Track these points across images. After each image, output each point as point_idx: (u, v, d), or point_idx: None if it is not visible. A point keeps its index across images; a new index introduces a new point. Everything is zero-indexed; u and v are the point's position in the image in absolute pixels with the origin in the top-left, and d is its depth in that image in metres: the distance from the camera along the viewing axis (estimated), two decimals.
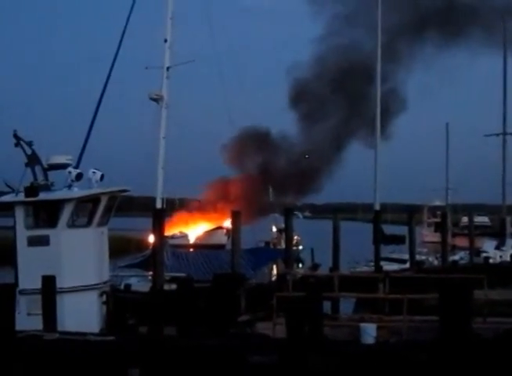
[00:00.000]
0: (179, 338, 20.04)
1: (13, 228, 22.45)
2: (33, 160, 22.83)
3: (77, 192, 22.53)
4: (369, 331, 19.19)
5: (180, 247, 43.45)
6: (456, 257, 49.15)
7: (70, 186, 22.61)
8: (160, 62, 34.41)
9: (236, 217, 28.62)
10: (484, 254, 50.05)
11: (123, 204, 28.96)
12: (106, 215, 23.24)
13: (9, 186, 22.63)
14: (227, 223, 61.55)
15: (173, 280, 26.49)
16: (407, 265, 40.60)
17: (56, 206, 22.19)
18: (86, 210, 22.85)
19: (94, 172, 22.82)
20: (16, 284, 21.45)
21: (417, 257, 42.32)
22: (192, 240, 72.88)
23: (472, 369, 16.52)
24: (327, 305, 27.20)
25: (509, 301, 24.46)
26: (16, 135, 22.71)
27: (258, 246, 46.41)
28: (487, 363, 16.64)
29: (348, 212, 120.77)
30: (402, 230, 43.12)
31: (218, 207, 76.11)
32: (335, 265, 35.43)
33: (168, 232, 50.17)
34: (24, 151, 22.81)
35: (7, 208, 23.05)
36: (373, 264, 38.07)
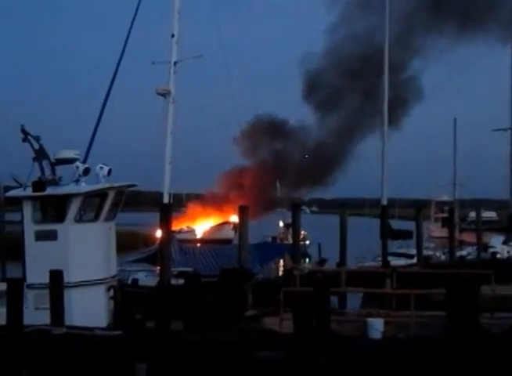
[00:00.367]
0: (186, 333, 20.07)
1: (21, 223, 22.51)
2: (40, 154, 22.86)
3: (84, 187, 22.55)
4: (377, 326, 19.20)
5: (187, 242, 43.52)
6: (464, 252, 49.07)
7: (77, 181, 22.63)
8: (167, 57, 34.43)
9: (243, 212, 28.63)
10: (492, 250, 49.93)
11: (131, 199, 29.02)
12: (114, 209, 23.27)
13: (16, 181, 22.68)
14: (234, 218, 61.58)
15: (180, 274, 26.52)
16: (414, 261, 40.57)
17: (64, 201, 22.23)
18: (93, 205, 22.88)
19: (101, 167, 22.84)
20: (23, 279, 21.50)
21: (424, 252, 42.27)
22: (199, 234, 72.97)
23: (479, 364, 16.49)
24: (334, 301, 27.22)
25: None
26: (23, 130, 22.74)
27: (265, 241, 46.43)
28: (494, 359, 16.61)
29: (356, 207, 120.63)
30: (410, 225, 43.06)
31: (231, 197, 75.67)
32: (342, 261, 35.42)
33: (176, 227, 50.27)
34: (32, 146, 22.84)
35: (15, 203, 23.11)
36: (380, 259, 38.05)
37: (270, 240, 53.55)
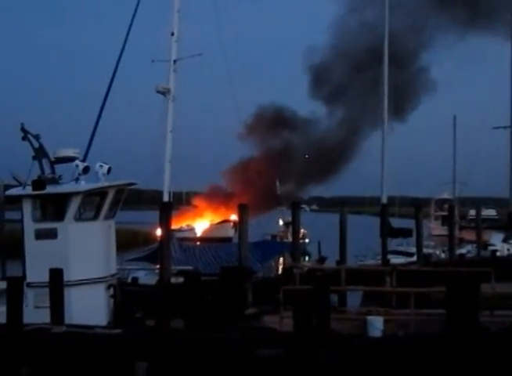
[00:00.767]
0: (186, 332, 20.07)
1: (21, 221, 22.51)
2: (40, 153, 22.86)
3: (84, 185, 22.56)
4: (377, 325, 19.19)
5: (187, 240, 43.53)
6: (464, 250, 49.05)
7: (77, 180, 22.63)
8: (167, 55, 34.43)
9: (243, 210, 28.63)
10: (492, 248, 49.93)
11: (131, 198, 29.02)
12: (114, 208, 23.27)
13: (16, 180, 22.68)
14: (234, 216, 61.56)
15: (180, 273, 26.53)
16: (414, 259, 40.56)
17: (64, 199, 22.23)
18: (93, 203, 22.88)
19: (101, 166, 22.84)
20: (23, 277, 21.51)
21: (424, 250, 42.26)
22: (199, 233, 72.97)
23: (479, 362, 16.50)
24: (334, 299, 27.23)
25: None
26: (23, 129, 22.74)
27: (265, 239, 46.45)
28: (494, 357, 16.62)
29: (356, 205, 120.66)
30: (410, 223, 43.06)
31: (238, 190, 75.03)
32: (342, 259, 35.43)
33: (175, 225, 50.24)
34: (31, 144, 22.83)
35: (15, 202, 23.11)
36: (380, 257, 38.05)
37: (270, 238, 53.57)
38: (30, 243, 22.11)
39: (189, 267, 28.53)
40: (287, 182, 70.15)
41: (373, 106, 44.70)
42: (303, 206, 57.26)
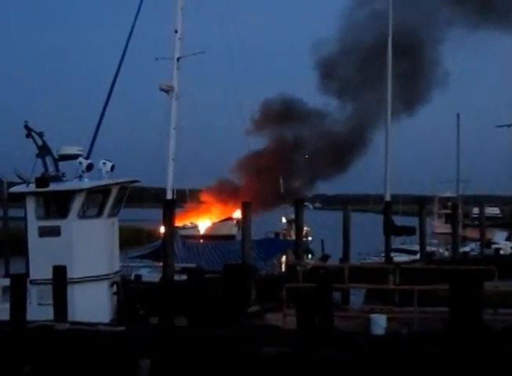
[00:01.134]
0: (190, 329, 20.08)
1: (24, 219, 22.53)
2: (44, 150, 22.88)
3: (87, 183, 22.57)
4: (380, 322, 19.19)
5: (190, 238, 43.55)
6: (467, 248, 49.03)
7: (80, 177, 22.65)
8: (171, 53, 34.45)
9: (246, 208, 28.62)
10: (495, 246, 49.90)
11: (134, 195, 29.03)
12: (117, 205, 23.28)
13: (20, 177, 22.69)
14: (237, 214, 61.53)
15: (183, 270, 26.54)
16: (417, 257, 40.55)
17: (67, 197, 22.24)
18: (97, 201, 22.89)
19: (104, 163, 22.85)
20: (27, 275, 21.52)
21: (428, 248, 42.24)
22: (202, 231, 72.96)
23: (482, 360, 16.49)
24: (337, 296, 27.22)
25: None
26: (26, 126, 22.75)
27: (268, 237, 46.44)
28: (497, 355, 16.61)
29: (359, 203, 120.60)
30: (413, 221, 43.04)
31: (246, 183, 74.13)
32: (345, 256, 35.39)
33: (180, 223, 50.18)
34: (35, 142, 22.85)
35: (18, 199, 23.13)
36: (383, 255, 38.03)
37: (273, 236, 53.56)
38: (33, 240, 22.13)
39: (193, 265, 28.54)
40: (296, 178, 69.49)
41: (384, 99, 44.45)
42: (306, 204, 57.19)
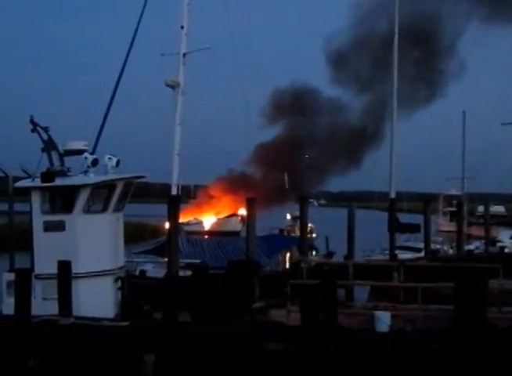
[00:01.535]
0: (194, 325, 20.10)
1: (29, 213, 22.57)
2: (49, 145, 22.89)
3: (93, 178, 22.59)
4: (384, 319, 19.18)
5: (195, 234, 43.56)
6: (472, 246, 48.98)
7: (86, 172, 22.67)
8: (177, 49, 34.42)
9: (250, 204, 28.62)
10: (500, 244, 49.84)
11: (140, 191, 29.03)
12: (122, 201, 23.29)
13: (25, 172, 22.72)
14: (242, 210, 61.52)
15: (188, 266, 26.55)
16: (422, 254, 40.53)
17: (72, 192, 22.26)
18: (102, 196, 22.90)
19: (110, 158, 22.87)
20: (32, 269, 21.57)
21: (432, 246, 42.23)
22: (207, 227, 72.97)
23: (487, 358, 16.48)
24: (341, 293, 27.21)
25: None
26: (32, 121, 22.77)
27: (273, 233, 46.45)
28: (501, 353, 16.60)
29: (364, 200, 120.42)
30: (418, 219, 43.03)
31: (260, 172, 72.96)
32: (350, 253, 35.40)
33: (185, 218, 50.13)
34: (41, 137, 22.87)
35: (24, 193, 23.16)
36: (387, 252, 38.01)
37: (277, 232, 53.58)
38: (38, 235, 22.16)
39: (197, 261, 28.56)
40: (304, 173, 68.72)
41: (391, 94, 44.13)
42: (311, 200, 57.10)
